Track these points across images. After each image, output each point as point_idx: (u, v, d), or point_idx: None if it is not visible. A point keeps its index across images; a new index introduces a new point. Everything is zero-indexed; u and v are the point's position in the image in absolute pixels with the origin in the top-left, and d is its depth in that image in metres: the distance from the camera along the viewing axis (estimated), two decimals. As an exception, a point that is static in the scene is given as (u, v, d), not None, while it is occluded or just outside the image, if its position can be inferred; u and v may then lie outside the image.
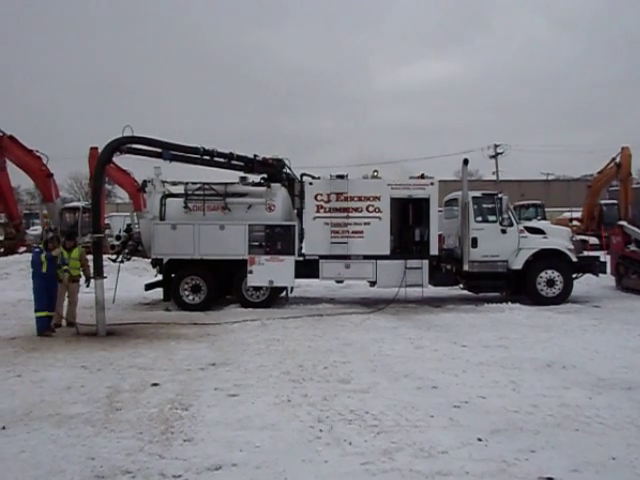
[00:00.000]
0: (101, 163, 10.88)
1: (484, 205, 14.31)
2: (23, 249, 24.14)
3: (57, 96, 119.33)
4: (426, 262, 13.62)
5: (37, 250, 10.78)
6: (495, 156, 57.44)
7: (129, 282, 17.54)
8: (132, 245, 14.74)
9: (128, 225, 15.46)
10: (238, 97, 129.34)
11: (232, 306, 13.81)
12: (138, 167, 29.12)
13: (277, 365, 8.02)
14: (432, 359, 8.35)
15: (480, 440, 5.15)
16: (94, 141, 26.21)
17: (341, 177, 13.69)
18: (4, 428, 5.60)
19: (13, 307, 14.17)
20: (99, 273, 10.64)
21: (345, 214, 13.54)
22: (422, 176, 14.09)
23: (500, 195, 14.15)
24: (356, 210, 13.58)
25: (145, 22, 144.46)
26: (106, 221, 28.52)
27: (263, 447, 5.09)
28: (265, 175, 14.57)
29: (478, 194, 14.27)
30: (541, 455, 4.81)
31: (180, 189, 14.14)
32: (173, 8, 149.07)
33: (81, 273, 11.56)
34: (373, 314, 12.59)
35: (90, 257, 11.49)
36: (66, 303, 11.43)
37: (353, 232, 13.55)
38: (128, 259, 15.14)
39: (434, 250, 13.69)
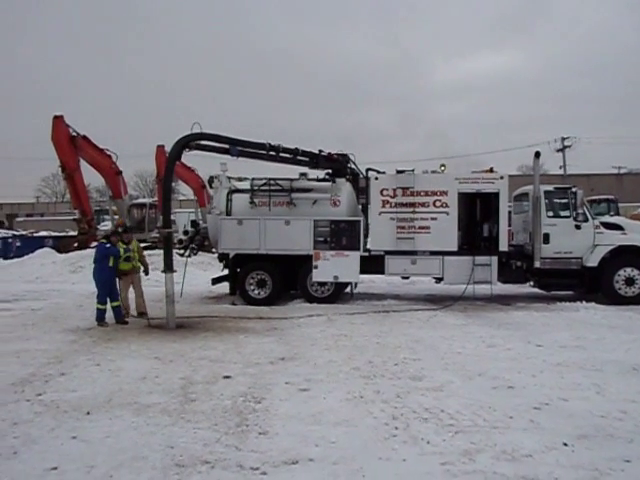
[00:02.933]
0: (171, 159, 11.13)
1: (556, 200, 13.75)
2: (95, 244, 25.09)
3: (121, 96, 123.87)
4: (495, 258, 13.21)
5: (107, 245, 11.12)
6: (562, 149, 55.23)
7: (195, 276, 17.92)
8: (199, 240, 15.03)
9: (194, 221, 15.77)
10: (293, 94, 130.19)
11: (297, 301, 13.85)
12: (201, 164, 29.85)
13: (346, 361, 7.95)
14: (506, 358, 8.05)
15: (566, 445, 4.89)
16: (158, 140, 26.95)
17: (407, 172, 13.46)
18: (89, 413, 5.79)
19: (87, 299, 14.67)
20: (169, 267, 10.87)
21: (411, 209, 13.30)
22: (491, 170, 13.66)
23: (574, 189, 13.53)
24: (423, 205, 13.32)
25: (205, 23, 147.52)
26: (171, 217, 29.27)
27: (338, 443, 5.02)
28: (329, 170, 14.53)
29: (550, 188, 13.71)
30: (638, 466, 4.51)
31: (246, 185, 14.31)
32: (229, 7, 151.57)
33: (140, 265, 11.93)
34: (440, 311, 12.32)
35: (150, 252, 11.86)
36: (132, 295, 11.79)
37: (419, 227, 13.31)
38: (195, 254, 15.45)
39: (503, 246, 13.25)
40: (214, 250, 19.63)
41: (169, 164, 11.14)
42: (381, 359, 8.01)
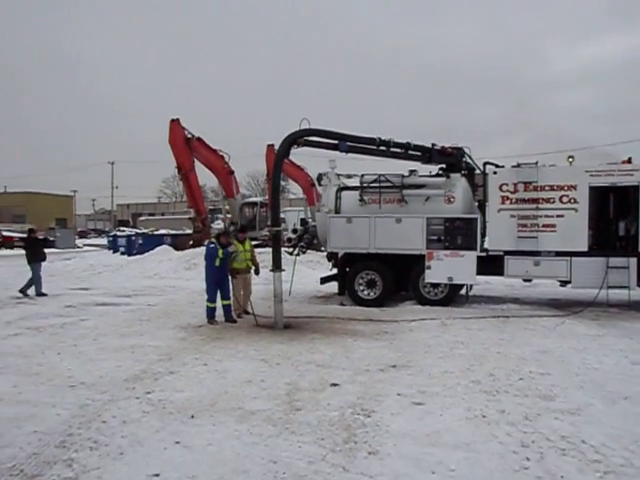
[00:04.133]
0: (280, 156, 10.94)
1: None
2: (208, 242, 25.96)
3: (231, 99, 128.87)
4: (634, 260, 11.72)
5: (212, 245, 11.08)
6: None
7: (304, 275, 17.82)
8: (308, 238, 14.86)
9: (303, 219, 15.64)
10: (402, 90, 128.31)
11: (408, 303, 13.20)
12: (311, 163, 29.94)
13: (464, 372, 7.24)
14: (656, 378, 6.93)
15: None
16: (268, 140, 27.30)
17: (529, 165, 12.33)
18: (193, 417, 5.61)
19: (200, 296, 14.92)
20: (277, 266, 10.69)
21: (534, 205, 12.16)
22: (629, 161, 12.17)
23: None
24: (547, 201, 12.13)
25: (313, 28, 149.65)
26: (281, 215, 29.61)
27: (459, 471, 4.40)
28: (443, 165, 13.74)
29: None
30: None
31: (355, 182, 13.89)
32: (332, 10, 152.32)
33: (251, 264, 11.82)
34: (568, 318, 11.12)
35: (261, 250, 11.75)
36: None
37: (544, 225, 12.13)
38: (304, 252, 15.31)
39: (644, 247, 11.72)
40: (323, 249, 19.51)
41: (277, 161, 10.96)
42: (504, 372, 7.20)
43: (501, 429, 5.21)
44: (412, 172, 13.35)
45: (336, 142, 11.73)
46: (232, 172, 27.23)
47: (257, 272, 11.97)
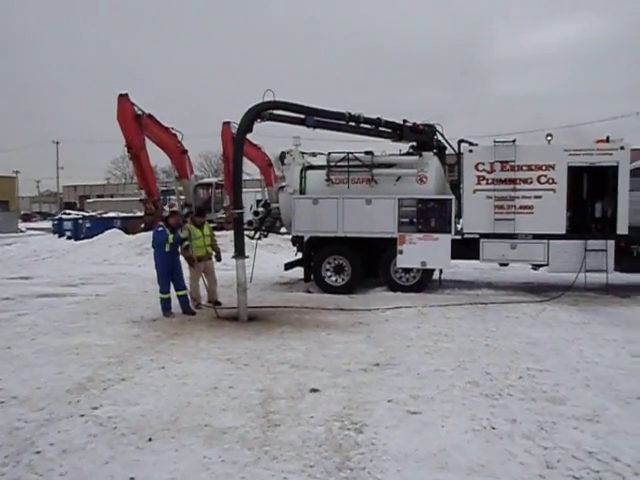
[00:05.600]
0: (242, 131, 9.87)
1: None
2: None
3: (182, 79, 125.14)
4: (612, 243, 11.31)
5: (160, 229, 9.92)
6: (653, 121, 50.79)
7: (264, 259, 16.81)
8: (269, 221, 13.88)
9: (266, 201, 14.62)
10: (354, 72, 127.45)
11: (378, 289, 12.46)
12: (267, 142, 28.79)
13: (457, 370, 6.51)
14: (661, 372, 6.38)
15: None
16: (223, 119, 25.97)
17: (507, 143, 11.68)
18: (150, 440, 4.65)
19: (153, 284, 13.70)
20: (240, 252, 9.72)
21: (512, 186, 11.55)
22: (607, 140, 11.68)
23: None
24: (525, 181, 11.54)
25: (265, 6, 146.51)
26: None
27: (480, 504, 3.63)
28: (414, 143, 12.96)
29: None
30: None
31: (320, 160, 12.97)
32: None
33: (211, 250, 10.79)
34: (548, 304, 10.61)
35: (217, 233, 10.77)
36: (201, 283, 10.70)
37: (521, 207, 11.55)
38: (265, 236, 14.36)
39: (622, 229, 11.28)
40: (283, 231, 18.55)
41: (239, 136, 9.90)
42: (499, 369, 6.52)
43: (517, 444, 4.48)
44: (368, 153, 12.40)
45: (303, 116, 10.76)
46: (185, 151, 25.84)
47: (218, 258, 10.92)
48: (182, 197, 27.84)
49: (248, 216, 18.05)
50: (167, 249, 9.80)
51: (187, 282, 10.41)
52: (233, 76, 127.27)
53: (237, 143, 9.91)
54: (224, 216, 27.19)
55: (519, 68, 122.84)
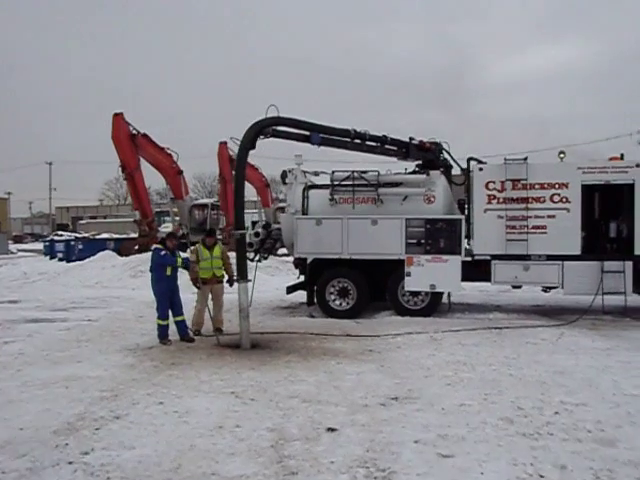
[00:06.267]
0: (244, 148, 9.35)
1: None
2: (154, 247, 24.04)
3: (175, 98, 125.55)
4: (630, 264, 10.83)
5: (163, 252, 9.33)
6: (647, 142, 50.89)
7: (262, 282, 16.23)
8: (270, 243, 13.33)
9: (266, 221, 14.10)
10: (345, 96, 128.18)
11: (385, 313, 11.89)
12: (264, 164, 28.39)
13: (484, 404, 5.94)
14: None
15: None
16: (217, 139, 25.58)
17: (518, 161, 11.25)
18: (147, 493, 4.05)
19: (149, 308, 13.18)
20: (243, 275, 9.16)
21: (524, 205, 11.08)
22: (621, 157, 11.29)
23: None
24: (537, 200, 11.08)
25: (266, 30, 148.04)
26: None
27: None
28: (419, 162, 12.53)
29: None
30: None
31: (323, 180, 12.51)
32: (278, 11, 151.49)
33: (224, 273, 10.20)
34: (565, 328, 10.07)
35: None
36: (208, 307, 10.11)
37: (534, 227, 11.08)
38: (265, 258, 13.77)
39: (640, 249, 10.84)
40: (280, 253, 17.99)
41: (241, 153, 9.38)
42: (531, 403, 5.95)
43: (572, 498, 3.91)
44: (363, 173, 11.91)
45: (307, 133, 10.30)
46: (181, 172, 25.37)
47: (230, 283, 10.08)
48: (177, 218, 27.34)
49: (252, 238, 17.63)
50: (168, 273, 9.24)
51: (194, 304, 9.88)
52: (226, 98, 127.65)
53: (239, 160, 9.40)
54: (220, 237, 26.65)
55: (505, 91, 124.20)
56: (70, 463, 4.55)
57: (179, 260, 9.34)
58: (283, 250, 15.81)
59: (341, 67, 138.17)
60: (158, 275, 9.30)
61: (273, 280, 18.06)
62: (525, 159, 11.23)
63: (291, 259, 20.11)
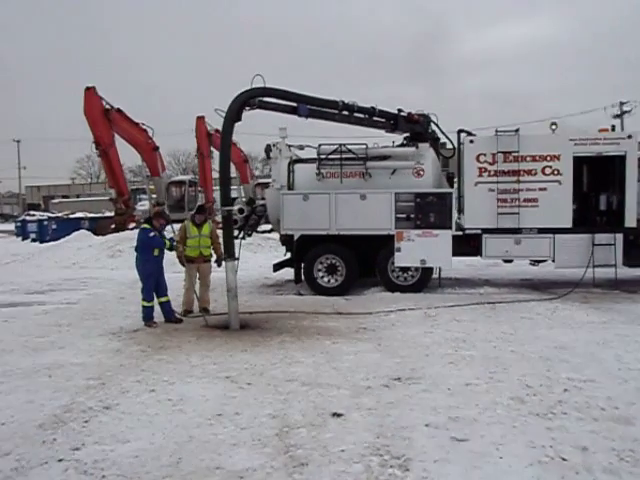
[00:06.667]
0: (230, 120, 8.89)
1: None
2: (132, 225, 23.47)
3: (156, 75, 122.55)
4: (620, 236, 10.76)
5: (150, 232, 8.89)
6: (621, 115, 51.21)
7: (245, 259, 15.77)
8: (254, 220, 12.94)
9: (250, 197, 13.69)
10: (319, 69, 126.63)
11: (374, 290, 11.68)
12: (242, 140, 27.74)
13: (491, 383, 5.75)
14: None
15: None
16: (192, 115, 24.86)
17: (509, 133, 11.01)
18: (147, 492, 3.75)
19: (130, 289, 12.82)
20: (230, 253, 8.81)
21: (515, 178, 10.88)
22: (613, 129, 11.14)
23: None
24: (529, 173, 10.89)
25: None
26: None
27: None
28: (407, 134, 12.21)
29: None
30: None
31: (308, 153, 12.13)
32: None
33: (212, 252, 9.83)
34: (559, 302, 9.97)
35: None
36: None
37: (525, 200, 10.90)
38: (249, 235, 13.38)
39: (631, 221, 10.74)
40: (262, 230, 17.60)
41: (226, 125, 8.92)
42: (538, 380, 5.78)
43: (601, 483, 3.72)
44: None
45: (295, 105, 9.89)
46: (157, 148, 24.67)
47: (219, 263, 9.61)
48: (154, 196, 26.66)
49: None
50: (156, 253, 8.84)
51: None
52: (198, 72, 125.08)
53: (224, 133, 8.94)
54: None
55: (482, 64, 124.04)
56: (60, 461, 4.21)
57: (167, 243, 8.95)
58: (265, 227, 15.49)
59: (314, 43, 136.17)
60: (145, 256, 8.87)
61: (256, 257, 17.71)
62: (517, 131, 10.99)
63: (273, 235, 19.83)
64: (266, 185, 31.51)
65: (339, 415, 4.99)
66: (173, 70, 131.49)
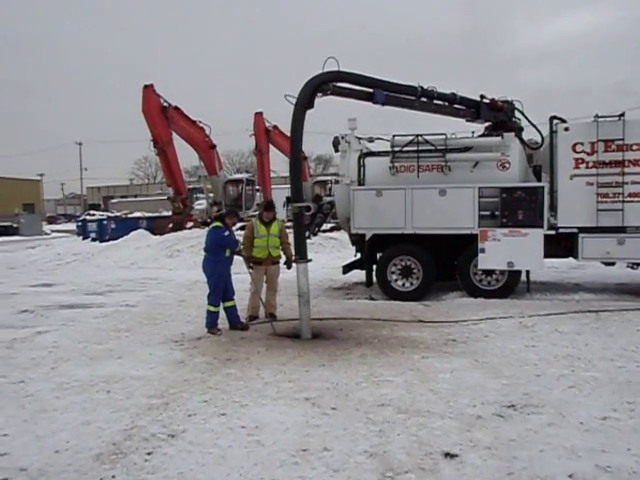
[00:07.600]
0: (302, 106, 8.02)
1: None
2: (190, 224, 23.16)
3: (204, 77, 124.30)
4: None
5: (225, 231, 8.13)
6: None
7: (308, 260, 15.09)
8: (320, 218, 12.11)
9: (317, 194, 12.88)
10: (364, 67, 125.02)
11: (454, 294, 10.63)
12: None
13: (635, 417, 4.65)
14: None
15: None
16: (243, 115, 24.38)
17: (612, 119, 9.72)
18: None
19: (189, 291, 12.28)
20: (302, 254, 7.99)
21: (619, 170, 9.59)
22: None
23: None
24: (636, 164, 9.58)
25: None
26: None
27: None
28: (489, 123, 11.09)
29: None
30: None
31: (379, 146, 11.20)
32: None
33: (281, 253, 9.03)
34: (674, 312, 8.66)
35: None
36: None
37: (631, 195, 9.60)
38: (316, 234, 12.57)
39: None
40: (324, 228, 16.77)
41: (297, 112, 8.05)
42: (695, 415, 4.64)
43: None
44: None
45: (371, 90, 8.96)
46: (214, 146, 24.32)
47: (288, 265, 8.84)
48: (211, 195, 26.34)
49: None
50: (228, 254, 8.12)
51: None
52: (245, 75, 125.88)
53: (295, 121, 8.05)
54: (256, 214, 25.62)
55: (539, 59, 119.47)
56: (119, 508, 3.44)
57: (240, 245, 8.27)
58: (325, 226, 14.69)
59: (363, 36, 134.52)
60: (217, 256, 8.12)
61: (319, 258, 16.79)
62: (621, 115, 9.69)
63: (336, 235, 18.99)
64: (324, 183, 31.06)
65: (453, 456, 4.03)
66: (227, 72, 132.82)
